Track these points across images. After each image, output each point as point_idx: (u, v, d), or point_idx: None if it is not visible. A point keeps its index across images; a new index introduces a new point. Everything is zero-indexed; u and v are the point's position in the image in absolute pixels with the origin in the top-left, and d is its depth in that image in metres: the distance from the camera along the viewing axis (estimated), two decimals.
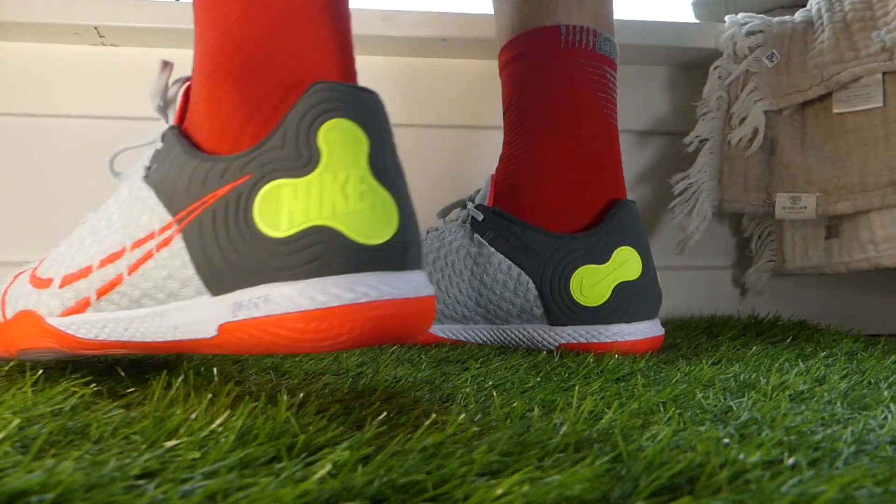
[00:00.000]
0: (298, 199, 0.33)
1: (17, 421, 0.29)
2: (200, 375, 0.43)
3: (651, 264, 0.61)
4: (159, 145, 0.39)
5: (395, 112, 0.35)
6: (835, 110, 0.78)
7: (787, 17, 0.84)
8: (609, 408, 0.35)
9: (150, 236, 0.37)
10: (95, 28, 0.81)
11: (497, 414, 0.34)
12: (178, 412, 0.32)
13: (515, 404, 0.36)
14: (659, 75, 0.94)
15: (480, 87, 0.90)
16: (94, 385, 0.40)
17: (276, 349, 0.33)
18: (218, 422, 0.29)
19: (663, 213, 0.92)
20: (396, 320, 0.33)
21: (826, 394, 0.41)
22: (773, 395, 0.40)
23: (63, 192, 0.85)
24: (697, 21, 1.00)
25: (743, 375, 0.46)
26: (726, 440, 0.29)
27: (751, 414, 0.35)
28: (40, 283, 0.42)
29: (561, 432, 0.29)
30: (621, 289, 0.59)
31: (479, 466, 0.24)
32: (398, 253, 0.33)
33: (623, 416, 0.33)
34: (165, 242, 0.36)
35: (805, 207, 0.78)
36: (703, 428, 0.32)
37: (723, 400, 0.39)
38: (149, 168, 0.39)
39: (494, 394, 0.40)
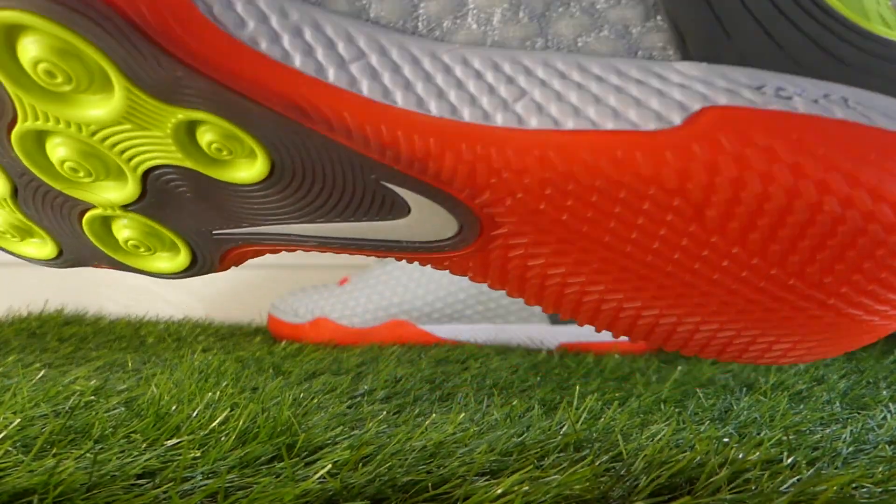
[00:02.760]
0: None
1: (17, 420, 0.29)
2: (201, 374, 0.43)
3: None
4: None
5: None
6: None
7: None
8: (609, 407, 0.35)
9: None
10: None
11: (497, 413, 0.34)
12: (179, 411, 0.32)
13: (515, 403, 0.36)
14: None
15: None
16: (94, 383, 0.40)
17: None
18: (218, 420, 0.29)
19: None
20: None
21: (825, 393, 0.41)
22: (772, 395, 0.40)
23: None
24: None
25: (742, 375, 0.46)
26: (726, 440, 0.29)
27: (750, 413, 0.35)
28: None
29: (561, 432, 0.29)
30: None
31: (479, 466, 0.24)
32: None
33: (623, 416, 0.33)
34: None
35: None
36: (702, 428, 0.32)
37: (722, 399, 0.39)
38: None
39: (494, 393, 0.40)
